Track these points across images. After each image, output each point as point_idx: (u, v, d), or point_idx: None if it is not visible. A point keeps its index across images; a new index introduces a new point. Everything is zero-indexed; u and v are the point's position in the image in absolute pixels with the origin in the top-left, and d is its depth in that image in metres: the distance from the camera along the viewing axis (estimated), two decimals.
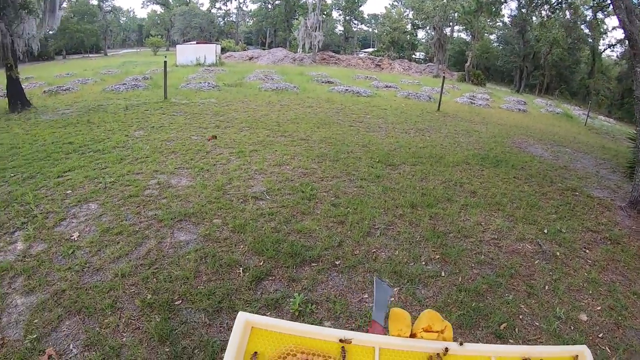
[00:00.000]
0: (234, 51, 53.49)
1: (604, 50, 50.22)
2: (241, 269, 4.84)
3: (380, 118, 14.73)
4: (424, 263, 5.38)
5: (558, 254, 6.13)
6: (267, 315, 4.13)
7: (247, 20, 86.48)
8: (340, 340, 1.22)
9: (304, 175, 7.96)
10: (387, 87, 25.85)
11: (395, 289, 4.75)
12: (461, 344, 1.28)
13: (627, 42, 8.68)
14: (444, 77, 22.41)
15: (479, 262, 5.57)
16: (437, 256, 5.57)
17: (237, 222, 5.88)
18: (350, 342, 1.23)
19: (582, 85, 50.99)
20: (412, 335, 1.32)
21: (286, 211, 6.38)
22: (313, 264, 5.07)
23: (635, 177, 8.74)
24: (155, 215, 6.03)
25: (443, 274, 5.21)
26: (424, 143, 11.46)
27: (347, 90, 21.40)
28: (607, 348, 4.52)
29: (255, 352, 1.16)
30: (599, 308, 5.11)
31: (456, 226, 6.44)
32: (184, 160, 8.39)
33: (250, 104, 15.31)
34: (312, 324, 4.00)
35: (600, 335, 4.67)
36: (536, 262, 5.82)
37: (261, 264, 4.96)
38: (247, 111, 13.72)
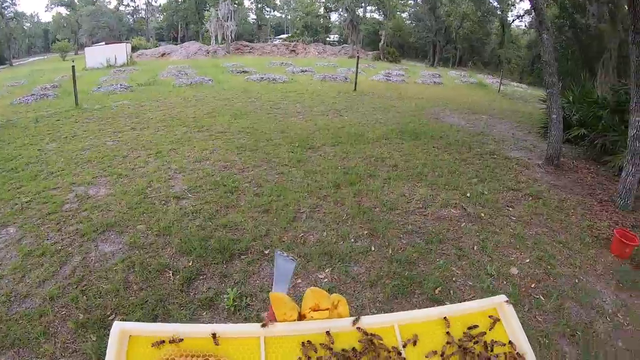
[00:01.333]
0: (146, 49, 51.53)
1: (513, 21, 52.87)
2: (171, 272, 4.73)
3: (298, 103, 14.78)
4: (353, 240, 5.48)
5: (483, 215, 6.44)
6: (202, 316, 4.06)
7: (157, 15, 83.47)
8: (213, 334, 1.17)
9: (225, 169, 7.87)
10: (303, 71, 25.94)
11: (327, 270, 4.83)
12: (358, 318, 1.26)
13: (533, 11, 9.25)
14: (358, 57, 22.77)
15: (407, 232, 5.74)
16: (365, 232, 5.69)
17: (161, 225, 5.72)
18: (230, 336, 1.18)
19: (493, 55, 53.56)
20: (302, 317, 1.28)
21: (210, 207, 6.28)
22: (242, 257, 5.04)
23: (549, 136, 9.37)
24: (76, 230, 5.74)
25: (373, 248, 5.34)
26: (342, 123, 11.61)
27: (262, 78, 21.32)
28: (540, 296, 4.81)
29: None
30: (527, 260, 5.42)
31: (381, 200, 6.60)
32: (100, 168, 8.04)
33: (165, 102, 14.89)
34: (248, 317, 3.99)
35: (533, 286, 4.97)
36: (462, 225, 6.08)
37: (190, 264, 4.87)
38: (163, 109, 13.34)
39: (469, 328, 1.32)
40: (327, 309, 1.28)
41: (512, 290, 4.77)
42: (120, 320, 1.20)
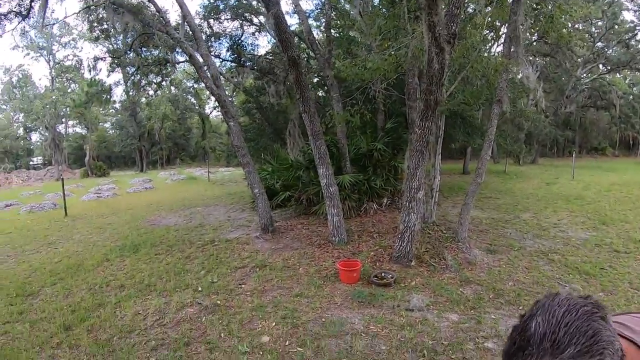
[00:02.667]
0: None
1: (211, 112, 56.47)
2: None
3: (7, 245, 13.19)
4: None
5: (219, 302, 6.69)
6: None
7: None
8: None
9: None
10: (7, 206, 23.29)
11: None
12: None
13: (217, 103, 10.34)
14: (62, 179, 21.59)
15: (152, 348, 5.59)
16: None
17: None
18: None
19: (198, 147, 56.44)
20: None
21: None
22: None
23: (257, 208, 10.26)
24: None
25: None
26: (58, 256, 10.77)
27: None
28: (297, 348, 5.22)
29: None
30: (274, 324, 5.81)
31: (117, 327, 6.30)
32: None
33: None
34: None
35: (287, 343, 5.34)
36: (203, 319, 6.19)
37: None
38: None
39: None
40: None
41: (269, 356, 5.03)
42: None
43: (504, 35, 9.33)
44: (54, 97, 45.33)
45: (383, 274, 7.21)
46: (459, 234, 8.68)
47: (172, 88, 49.36)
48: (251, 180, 10.30)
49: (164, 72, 19.64)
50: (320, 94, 19.30)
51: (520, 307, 6.09)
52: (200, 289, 7.27)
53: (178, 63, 19.59)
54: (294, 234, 9.91)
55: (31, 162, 63.34)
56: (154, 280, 7.90)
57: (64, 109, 47.50)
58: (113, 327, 6.36)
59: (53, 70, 49.08)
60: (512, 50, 8.77)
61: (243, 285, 7.20)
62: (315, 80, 18.88)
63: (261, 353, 5.17)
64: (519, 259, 8.24)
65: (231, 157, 48.19)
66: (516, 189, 18.02)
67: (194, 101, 54.55)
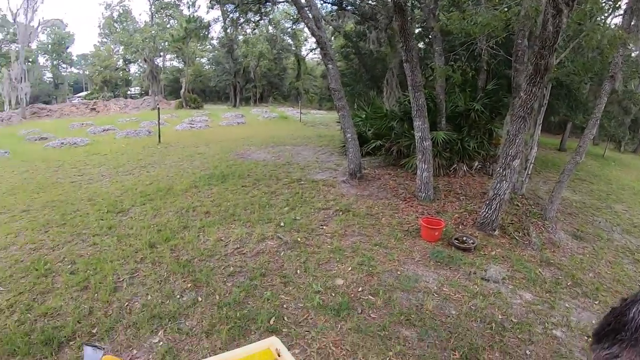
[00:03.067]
0: None
1: (307, 54, 56.42)
2: None
3: (102, 165, 14.12)
4: (178, 296, 5.45)
5: (299, 239, 6.85)
6: None
7: None
8: None
9: (34, 251, 7.24)
10: (105, 130, 24.76)
11: (160, 333, 4.74)
12: None
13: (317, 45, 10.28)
14: (159, 108, 22.50)
15: (230, 274, 5.87)
16: (189, 285, 5.69)
17: None
18: None
19: (292, 88, 56.68)
20: None
21: (25, 297, 5.73)
22: (71, 343, 4.69)
23: (347, 153, 10.26)
24: None
25: (200, 299, 5.36)
26: (150, 179, 11.40)
27: (63, 143, 19.93)
28: (369, 297, 5.27)
29: None
30: (350, 269, 5.90)
31: (198, 250, 6.64)
32: None
33: None
34: None
35: (360, 289, 5.43)
36: (282, 254, 6.39)
37: None
38: None
39: None
40: None
41: (341, 299, 5.16)
42: None
43: (624, 6, 8.59)
44: (153, 32, 46.85)
45: (464, 238, 7.09)
46: (547, 212, 8.34)
47: (270, 27, 49.60)
48: (344, 124, 10.30)
49: (263, 11, 19.63)
50: (420, 46, 18.73)
51: (597, 302, 5.84)
52: (282, 224, 7.48)
53: (277, 3, 19.54)
54: (381, 183, 9.91)
55: (129, 92, 66.13)
56: (239, 211, 8.22)
57: (162, 44, 48.89)
58: (195, 249, 6.70)
59: (153, 7, 50.50)
60: (632, 23, 8.11)
61: (324, 227, 7.34)
62: (417, 31, 18.30)
63: (333, 295, 5.30)
64: (604, 251, 7.83)
65: (323, 101, 48.21)
66: (612, 176, 16.86)
67: (291, 42, 54.51)
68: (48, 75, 74.11)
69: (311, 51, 54.69)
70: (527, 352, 4.46)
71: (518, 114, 7.09)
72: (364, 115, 13.42)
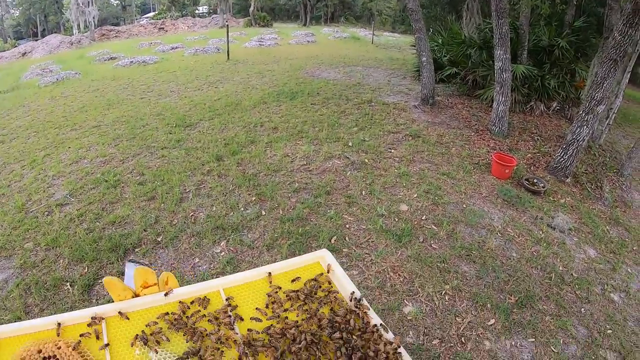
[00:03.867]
0: (3, 51, 47.01)
1: None
2: (68, 284, 4.52)
3: (171, 82, 14.35)
4: (242, 209, 5.55)
5: (366, 160, 6.76)
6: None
7: (12, 11, 75.90)
8: (58, 324, 1.31)
9: (104, 164, 7.54)
10: (173, 48, 25.05)
11: (222, 243, 4.87)
12: (168, 293, 1.49)
13: None
14: (227, 25, 22.41)
15: (294, 190, 5.90)
16: (254, 198, 5.78)
17: (48, 238, 5.41)
18: (70, 323, 1.34)
19: (364, 9, 54.99)
20: (136, 296, 1.47)
21: (95, 207, 6.02)
22: (137, 250, 4.94)
23: (421, 78, 9.92)
24: None
25: (263, 212, 5.44)
26: (218, 95, 11.49)
27: (132, 62, 20.37)
28: (432, 226, 5.20)
29: None
30: (415, 196, 5.82)
31: (264, 165, 6.69)
32: None
33: (31, 105, 13.77)
34: None
35: (424, 218, 5.36)
36: (348, 173, 6.34)
37: (86, 270, 4.69)
38: (30, 114, 12.37)
39: (293, 280, 1.58)
40: (155, 284, 1.48)
41: (404, 225, 5.11)
42: None
43: None
44: None
45: (535, 180, 6.81)
46: (623, 168, 7.84)
47: None
48: (420, 47, 9.89)
49: None
50: None
51: None
52: (350, 144, 7.41)
53: None
54: (453, 112, 9.58)
55: (197, 11, 66.07)
56: (307, 128, 8.19)
57: None
58: (261, 164, 6.75)
59: None
60: None
61: (392, 150, 7.21)
62: None
63: (396, 220, 5.26)
64: None
65: (397, 23, 46.73)
66: None
67: None
68: None
69: None
70: (582, 310, 4.31)
71: (609, 55, 6.57)
72: (440, 41, 12.84)
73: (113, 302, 1.42)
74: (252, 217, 5.34)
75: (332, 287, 1.56)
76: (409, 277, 4.33)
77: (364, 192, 5.83)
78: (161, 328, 1.35)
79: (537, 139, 8.60)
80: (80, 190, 6.65)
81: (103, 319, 1.35)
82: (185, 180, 6.48)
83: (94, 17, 44.14)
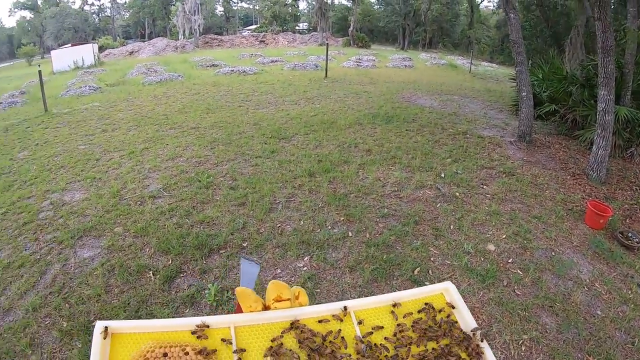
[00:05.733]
0: (113, 48, 50.34)
1: (482, 1, 53.31)
2: (151, 272, 4.71)
3: (269, 94, 14.70)
4: (329, 227, 5.53)
5: (457, 194, 6.54)
6: (185, 313, 4.06)
7: (123, 13, 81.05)
8: (197, 326, 1.28)
9: (199, 164, 7.82)
10: (273, 61, 25.74)
11: (306, 258, 4.88)
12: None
13: None
14: (327, 44, 22.74)
15: (383, 215, 5.81)
16: (342, 218, 5.74)
17: (138, 225, 5.68)
18: (207, 327, 1.30)
19: (463, 36, 53.89)
20: (267, 308, 1.40)
21: (186, 204, 6.24)
22: (221, 252, 5.05)
23: (519, 113, 9.55)
24: (54, 237, 5.66)
25: (350, 234, 5.39)
26: (314, 111, 11.61)
27: (232, 70, 21.12)
28: (518, 271, 4.92)
29: None
30: (504, 236, 5.54)
31: (356, 186, 6.65)
32: (74, 173, 7.90)
33: (135, 101, 14.63)
34: (231, 310, 4.00)
35: (510, 261, 5.08)
36: (438, 205, 6.17)
37: (170, 262, 4.86)
38: (133, 109, 13.12)
39: (419, 311, 1.49)
40: (289, 299, 1.41)
41: (489, 266, 4.88)
42: (102, 320, 1.27)
43: None
44: None
45: (630, 234, 6.25)
46: None
47: None
48: (520, 81, 9.52)
49: None
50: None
51: None
52: (443, 175, 7.23)
53: None
54: (550, 152, 9.09)
55: (297, 27, 67.47)
56: (400, 154, 8.08)
57: None
58: (352, 185, 6.72)
59: None
60: None
61: (485, 186, 6.95)
62: None
63: (482, 259, 5.03)
64: None
65: (495, 53, 45.58)
66: None
67: None
68: (219, 8, 78.20)
69: None
70: None
71: None
72: (541, 75, 12.29)
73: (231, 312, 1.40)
74: (338, 236, 5.30)
75: (454, 321, 1.48)
76: (487, 320, 4.11)
77: (452, 227, 5.64)
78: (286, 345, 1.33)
79: (636, 189, 8.00)
80: (173, 186, 6.92)
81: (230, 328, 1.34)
82: (276, 191, 6.56)
83: (199, 25, 46.26)
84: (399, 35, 52.74)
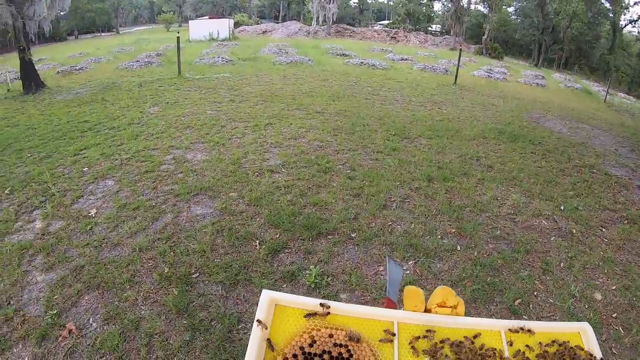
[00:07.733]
0: (247, 25, 52.63)
1: (625, 25, 48.37)
2: (257, 241, 4.85)
3: (396, 91, 14.53)
4: (439, 237, 5.37)
5: (574, 231, 6.08)
6: (283, 288, 4.15)
7: None
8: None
9: (320, 148, 7.91)
10: (402, 59, 25.39)
11: (411, 263, 4.77)
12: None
13: None
14: (460, 49, 22.01)
15: (494, 237, 5.55)
16: (453, 230, 5.56)
17: (253, 195, 5.87)
18: (368, 317, 1.31)
19: (602, 61, 49.46)
20: (427, 311, 1.40)
21: (302, 184, 6.35)
22: (329, 237, 5.08)
23: None
24: (171, 190, 6.05)
25: (459, 248, 5.20)
26: (440, 116, 11.32)
27: (362, 62, 21.12)
28: (620, 328, 4.50)
29: (269, 339, 1.19)
30: (613, 287, 5.07)
31: (472, 200, 6.40)
32: (199, 135, 8.35)
33: (264, 77, 15.14)
34: (327, 296, 4.03)
35: (614, 315, 4.64)
36: (552, 238, 5.78)
37: (277, 236, 4.97)
38: (262, 85, 13.59)
39: (560, 344, 1.40)
40: (452, 307, 1.41)
41: (592, 316, 4.49)
42: (267, 290, 1.32)
43: None
44: None
45: None
46: None
47: None
48: None
49: None
50: None
51: None
52: (562, 207, 6.72)
53: None
54: None
55: (429, 28, 65.58)
56: (522, 176, 7.64)
57: None
58: (469, 198, 6.47)
59: None
60: None
61: (603, 229, 6.37)
62: None
63: (586, 306, 4.63)
64: None
65: (634, 84, 41.75)
66: None
67: (609, 6, 46.71)
68: (354, 0, 77.69)
69: (631, 23, 46.86)
70: None
71: None
72: None
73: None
74: (446, 248, 5.13)
75: None
76: None
77: (562, 264, 5.25)
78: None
79: None
80: (292, 165, 7.04)
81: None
82: (392, 189, 6.47)
83: (333, 14, 46.54)
84: (534, 50, 49.80)
